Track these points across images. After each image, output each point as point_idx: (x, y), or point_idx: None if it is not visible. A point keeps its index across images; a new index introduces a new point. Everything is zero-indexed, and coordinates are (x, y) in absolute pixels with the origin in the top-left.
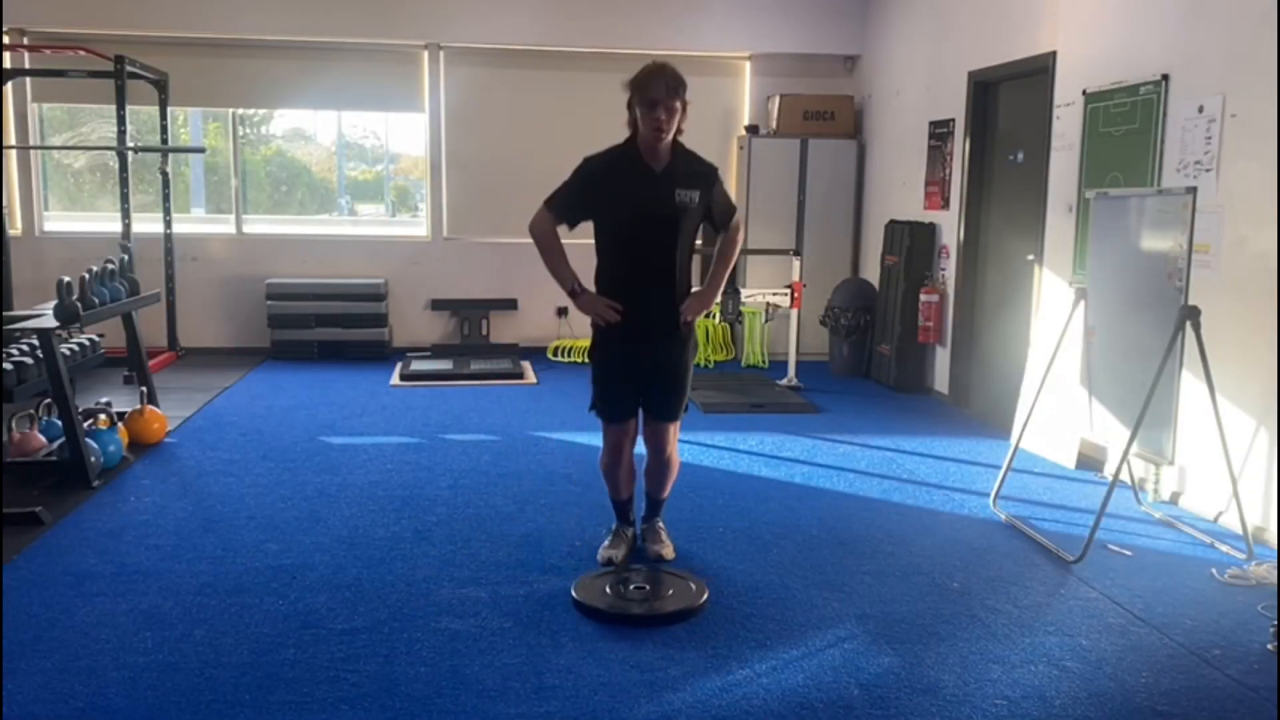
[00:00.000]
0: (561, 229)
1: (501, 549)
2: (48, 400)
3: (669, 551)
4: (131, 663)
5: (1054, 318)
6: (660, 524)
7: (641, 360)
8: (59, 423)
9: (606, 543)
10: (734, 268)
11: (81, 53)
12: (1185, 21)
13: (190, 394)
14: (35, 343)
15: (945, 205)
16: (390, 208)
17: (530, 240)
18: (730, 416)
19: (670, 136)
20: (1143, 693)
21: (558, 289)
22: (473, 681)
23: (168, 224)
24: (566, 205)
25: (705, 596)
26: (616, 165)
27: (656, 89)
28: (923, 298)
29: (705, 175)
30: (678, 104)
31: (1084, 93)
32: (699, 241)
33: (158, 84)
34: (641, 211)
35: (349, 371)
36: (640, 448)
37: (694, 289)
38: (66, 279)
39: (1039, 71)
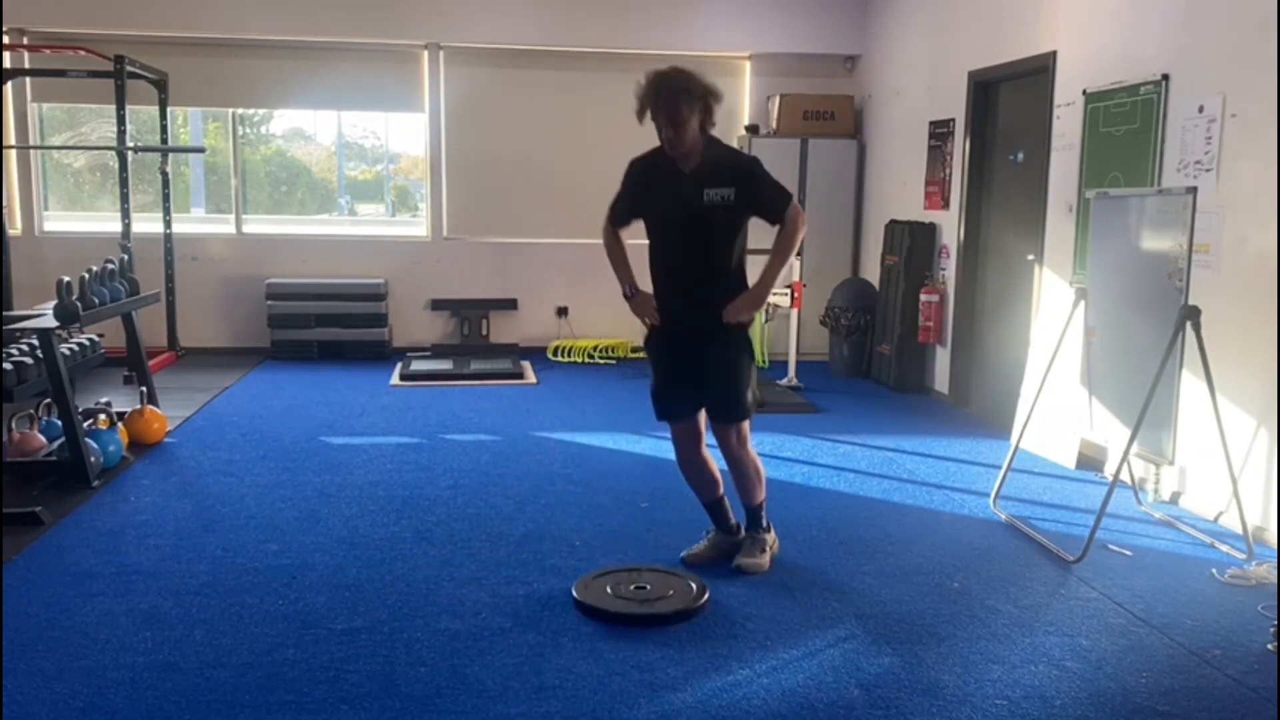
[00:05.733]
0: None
1: (501, 549)
2: (48, 400)
3: (752, 564)
4: (131, 663)
5: (1054, 318)
6: (763, 534)
7: (685, 361)
8: (59, 423)
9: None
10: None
11: (81, 53)
12: (1185, 21)
13: (190, 394)
14: (35, 343)
15: (945, 205)
16: (390, 208)
17: (530, 240)
18: None
19: (687, 142)
20: (1143, 693)
21: (558, 289)
22: (473, 681)
23: (168, 224)
24: (618, 208)
25: (705, 596)
26: (653, 166)
27: (654, 107)
28: (923, 298)
29: (740, 169)
30: (683, 115)
31: (1084, 93)
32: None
33: (158, 84)
34: (673, 213)
35: (349, 371)
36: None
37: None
38: (66, 279)
39: (1039, 71)
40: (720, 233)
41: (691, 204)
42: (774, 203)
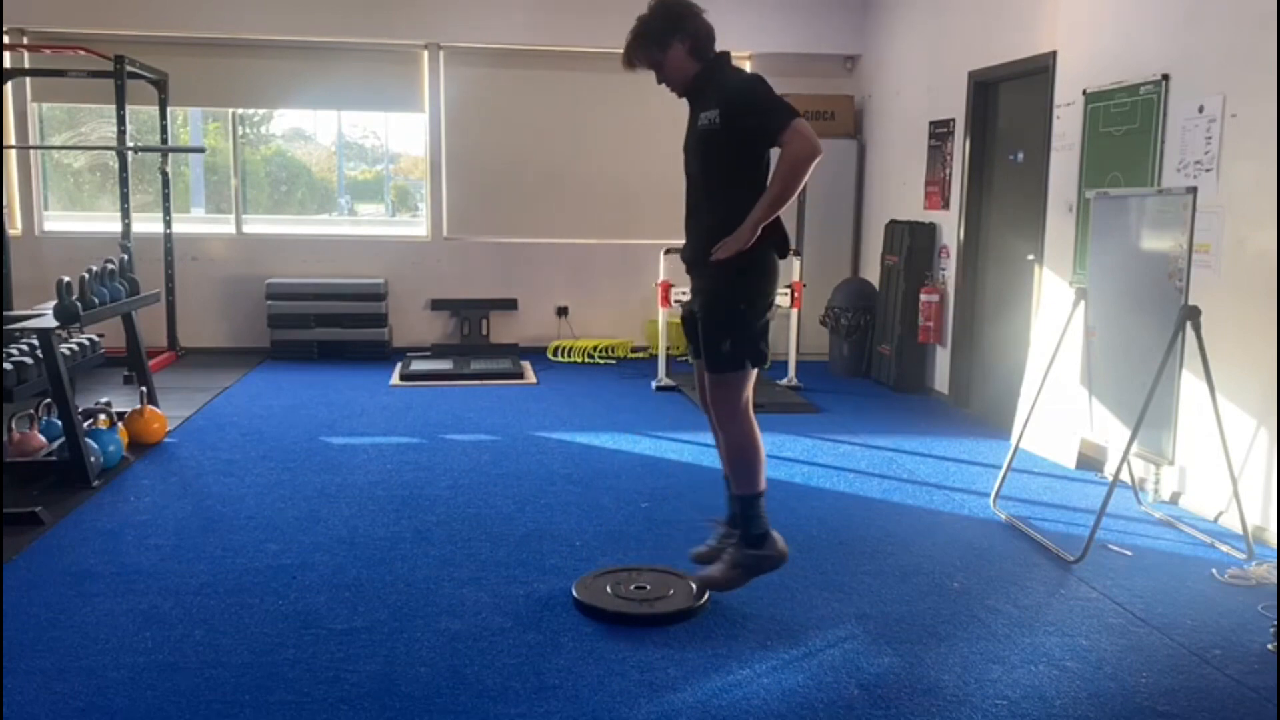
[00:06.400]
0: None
1: (501, 549)
2: (48, 400)
3: (708, 578)
4: (131, 663)
5: (1054, 318)
6: (744, 549)
7: (690, 299)
8: (59, 423)
9: None
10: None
11: (81, 53)
12: (1185, 21)
13: (190, 394)
14: (35, 343)
15: (945, 205)
16: (390, 208)
17: (530, 240)
18: None
19: (676, 80)
20: (1143, 693)
21: (558, 289)
22: (473, 681)
23: (168, 224)
24: None
25: (705, 596)
26: None
27: (636, 64)
28: (923, 298)
29: (727, 87)
30: (655, 60)
31: (1084, 93)
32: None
33: (158, 84)
34: (686, 143)
35: (349, 371)
36: None
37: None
38: (66, 279)
39: (1039, 71)
40: (710, 160)
41: (689, 132)
42: (766, 120)
